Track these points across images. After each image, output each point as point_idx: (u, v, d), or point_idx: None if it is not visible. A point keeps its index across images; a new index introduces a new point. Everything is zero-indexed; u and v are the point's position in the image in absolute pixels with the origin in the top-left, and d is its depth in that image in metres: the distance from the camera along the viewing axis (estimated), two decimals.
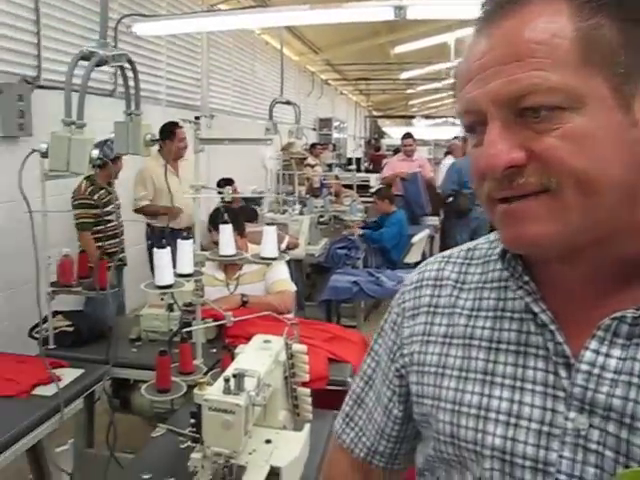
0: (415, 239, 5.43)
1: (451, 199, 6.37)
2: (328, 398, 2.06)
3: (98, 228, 3.66)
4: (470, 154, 0.62)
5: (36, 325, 2.40)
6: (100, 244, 3.55)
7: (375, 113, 21.16)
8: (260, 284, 2.85)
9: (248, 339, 1.68)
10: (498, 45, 0.57)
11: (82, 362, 2.22)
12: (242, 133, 7.16)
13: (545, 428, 0.61)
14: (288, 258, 2.12)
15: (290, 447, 1.49)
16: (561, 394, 0.60)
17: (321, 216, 5.14)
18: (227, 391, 1.25)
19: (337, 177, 7.54)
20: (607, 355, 0.58)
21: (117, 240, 3.67)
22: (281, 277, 2.82)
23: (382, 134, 19.67)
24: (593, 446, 0.57)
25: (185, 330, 1.83)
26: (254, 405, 1.30)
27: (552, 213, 0.55)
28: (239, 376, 1.25)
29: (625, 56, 0.54)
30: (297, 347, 1.52)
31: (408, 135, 7.57)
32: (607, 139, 0.54)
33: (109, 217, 3.69)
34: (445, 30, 10.03)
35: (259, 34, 8.66)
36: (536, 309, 0.63)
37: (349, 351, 2.37)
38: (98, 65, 1.83)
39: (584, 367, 0.59)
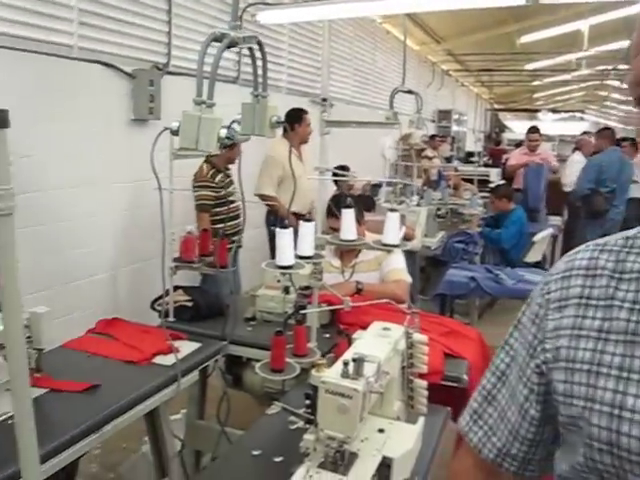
0: (537, 238, 5.14)
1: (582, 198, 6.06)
2: (441, 393, 1.98)
3: (218, 210, 3.77)
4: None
5: (158, 298, 2.51)
6: (221, 225, 3.66)
7: (497, 106, 20.37)
8: (375, 273, 2.80)
9: (362, 328, 1.65)
10: None
11: (199, 336, 2.29)
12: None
13: None
14: (408, 247, 2.05)
15: (403, 439, 1.43)
16: None
17: (439, 209, 4.99)
18: (345, 375, 1.21)
19: (456, 170, 7.31)
20: None
21: (236, 222, 3.77)
22: (398, 266, 2.75)
23: (503, 128, 18.93)
24: None
25: (301, 312, 1.82)
26: (371, 392, 1.25)
27: None
28: (359, 361, 1.21)
29: None
30: (418, 337, 1.46)
31: (534, 129, 7.20)
32: None
33: (230, 198, 3.79)
34: (576, 18, 9.41)
35: (380, 23, 8.58)
36: None
37: (466, 347, 2.27)
38: (229, 47, 1.85)
39: None
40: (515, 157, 7.43)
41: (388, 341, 1.45)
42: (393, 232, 1.86)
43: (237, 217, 3.79)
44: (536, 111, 18.64)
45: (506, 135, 15.87)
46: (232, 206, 3.77)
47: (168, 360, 2.02)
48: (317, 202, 4.42)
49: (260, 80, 2.06)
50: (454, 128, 13.31)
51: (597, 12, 9.01)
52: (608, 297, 0.66)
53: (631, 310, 0.63)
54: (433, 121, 12.50)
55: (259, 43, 2.01)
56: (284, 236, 1.70)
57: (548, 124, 15.66)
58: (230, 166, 3.84)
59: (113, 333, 2.24)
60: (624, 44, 12.19)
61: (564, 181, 7.08)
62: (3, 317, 0.84)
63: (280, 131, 3.95)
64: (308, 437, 1.29)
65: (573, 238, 6.11)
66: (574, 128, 18.86)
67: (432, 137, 9.41)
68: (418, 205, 4.65)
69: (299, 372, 1.79)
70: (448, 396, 2.08)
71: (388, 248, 1.86)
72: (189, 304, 2.45)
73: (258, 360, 2.20)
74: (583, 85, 17.63)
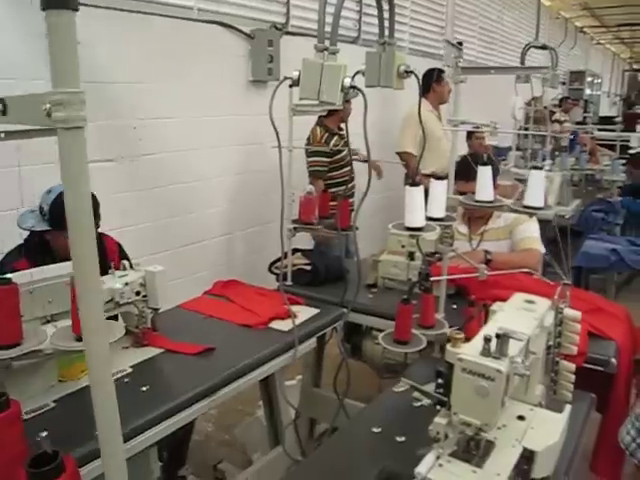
0: None
1: None
2: (583, 377, 1.74)
3: (331, 174, 3.66)
4: None
5: (276, 260, 2.44)
6: (334, 190, 3.55)
7: (636, 67, 18.55)
8: (505, 242, 2.56)
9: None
10: None
11: (317, 302, 2.19)
12: (488, 84, 6.71)
13: None
14: (551, 212, 1.81)
15: (548, 429, 1.24)
16: None
17: (572, 175, 4.57)
18: (486, 353, 1.04)
19: (591, 133, 6.69)
20: None
21: (348, 186, 3.64)
22: (532, 235, 2.50)
23: None
24: None
25: (431, 280, 1.65)
26: (516, 374, 1.08)
27: None
28: (503, 337, 1.03)
29: None
30: (570, 313, 1.25)
31: None
32: None
33: (343, 163, 3.66)
34: None
35: None
36: None
37: (614, 327, 2.00)
38: None
39: None
40: None
41: (534, 316, 1.25)
42: (537, 193, 1.63)
43: (350, 181, 3.66)
44: None
45: None
46: (343, 170, 3.65)
47: (285, 325, 1.95)
48: (452, 155, 4.24)
49: (387, 26, 1.90)
50: (587, 91, 12.28)
51: None
52: None
53: None
54: (564, 83, 11.59)
55: None
56: (414, 194, 1.53)
57: None
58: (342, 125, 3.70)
59: (230, 295, 2.20)
60: None
61: None
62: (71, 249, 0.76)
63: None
64: (439, 420, 1.13)
65: None
66: None
67: (563, 99, 8.76)
68: (550, 171, 4.26)
69: (425, 345, 1.64)
70: (591, 381, 1.84)
71: (531, 212, 1.63)
72: (307, 268, 2.36)
73: (379, 329, 2.08)
74: None
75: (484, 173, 1.69)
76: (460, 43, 1.77)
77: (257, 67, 3.79)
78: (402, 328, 1.62)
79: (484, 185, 1.69)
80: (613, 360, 1.84)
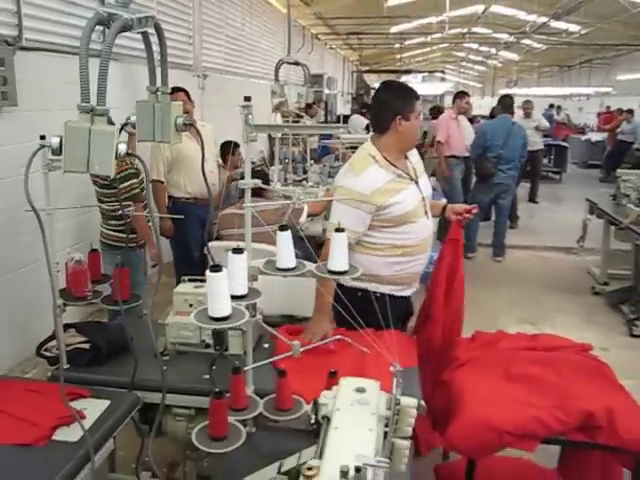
0: None
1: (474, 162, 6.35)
2: None
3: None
4: None
5: (45, 341, 2.05)
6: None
7: (362, 68, 20.51)
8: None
9: None
10: None
11: (104, 387, 1.88)
12: (236, 92, 6.72)
13: None
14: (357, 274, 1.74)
15: None
16: None
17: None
18: None
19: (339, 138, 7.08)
20: None
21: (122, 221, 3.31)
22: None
23: (368, 89, 19.12)
24: None
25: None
26: None
27: None
28: (362, 470, 0.93)
29: None
30: (407, 401, 1.20)
31: (465, 93, 7.14)
32: None
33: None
34: None
35: None
36: None
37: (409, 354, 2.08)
38: (121, 31, 1.43)
39: None
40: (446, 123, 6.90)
41: (370, 411, 1.18)
42: (339, 256, 1.57)
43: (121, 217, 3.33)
44: (402, 72, 18.97)
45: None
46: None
47: (72, 433, 1.60)
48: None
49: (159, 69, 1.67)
50: (326, 91, 13.16)
51: None
52: None
53: None
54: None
55: (156, 26, 1.61)
56: (217, 281, 1.34)
57: (417, 85, 15.97)
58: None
59: None
60: (479, 9, 12.66)
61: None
62: None
63: None
64: None
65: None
66: (437, 88, 19.53)
67: (309, 105, 9.17)
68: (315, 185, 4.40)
69: (245, 438, 1.48)
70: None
71: (334, 277, 1.56)
72: (86, 346, 2.01)
73: (180, 407, 1.88)
74: (442, 47, 18.18)
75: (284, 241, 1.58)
76: (248, 98, 1.61)
77: None
78: (217, 424, 1.44)
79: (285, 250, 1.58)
80: (422, 403, 1.87)
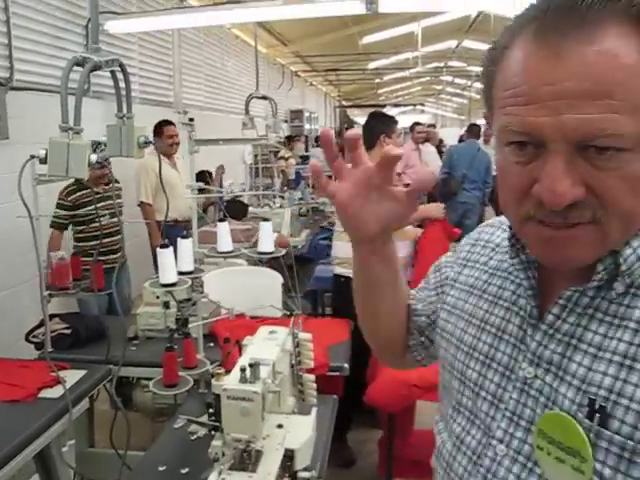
0: None
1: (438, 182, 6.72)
2: (328, 384, 2.16)
3: (80, 228, 3.66)
4: (508, 168, 0.63)
5: (33, 329, 2.43)
6: (94, 243, 3.57)
7: (344, 103, 21.22)
8: None
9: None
10: (576, 76, 0.55)
11: (83, 363, 2.26)
12: (216, 128, 7.16)
13: (507, 372, 0.72)
14: (283, 252, 2.17)
15: (301, 430, 1.56)
16: (522, 347, 0.71)
17: (300, 208, 5.19)
18: (244, 380, 1.31)
19: None
20: (563, 320, 0.67)
21: (114, 239, 3.69)
22: None
23: (351, 123, 19.77)
24: (532, 392, 0.68)
25: (190, 325, 1.89)
26: (269, 392, 1.37)
27: (596, 241, 0.60)
28: (255, 365, 1.32)
29: None
30: (303, 336, 1.59)
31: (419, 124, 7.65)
32: None
33: (91, 217, 3.68)
34: (411, 20, 10.15)
35: (229, 28, 8.65)
36: (525, 279, 0.73)
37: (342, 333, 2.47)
38: (92, 70, 1.86)
39: (543, 327, 0.69)
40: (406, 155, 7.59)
41: (276, 343, 1.56)
42: (267, 241, 1.98)
43: (113, 234, 3.70)
44: (382, 106, 19.68)
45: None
46: (107, 222, 3.68)
47: (55, 392, 1.98)
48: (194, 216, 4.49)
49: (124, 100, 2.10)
50: (307, 126, 13.71)
51: (428, 15, 9.79)
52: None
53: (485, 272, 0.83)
54: (286, 121, 12.81)
55: (121, 66, 2.05)
56: (166, 255, 1.76)
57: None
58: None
59: None
60: (452, 44, 13.36)
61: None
62: None
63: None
64: (216, 443, 1.37)
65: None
66: (415, 120, 20.24)
67: (288, 138, 9.65)
68: (281, 207, 4.81)
69: (192, 384, 1.86)
70: (334, 385, 2.26)
71: (263, 256, 1.98)
72: (67, 332, 2.40)
73: (147, 378, 2.23)
74: (420, 81, 18.93)
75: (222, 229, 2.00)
76: (192, 119, 2.03)
77: None
78: (170, 373, 1.82)
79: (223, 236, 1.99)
80: (346, 365, 2.27)
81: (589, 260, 0.63)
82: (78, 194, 3.62)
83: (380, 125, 3.09)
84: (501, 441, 0.70)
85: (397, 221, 0.75)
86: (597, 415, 0.60)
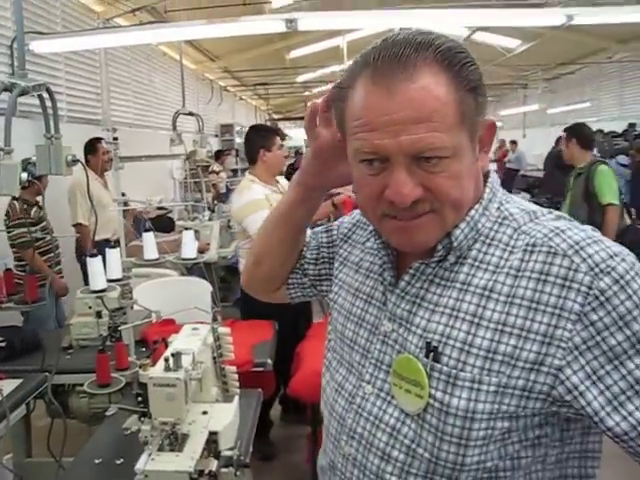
0: None
1: None
2: (253, 379, 2.36)
3: (38, 244, 3.72)
4: (363, 179, 0.82)
5: None
6: (45, 257, 3.63)
7: (275, 116, 21.47)
8: None
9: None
10: (404, 107, 0.74)
11: (19, 373, 2.35)
12: (145, 145, 7.22)
13: (373, 329, 0.94)
14: (205, 258, 2.35)
15: (224, 415, 1.75)
16: (384, 308, 0.93)
17: (229, 220, 5.34)
18: (168, 369, 1.49)
19: None
20: (412, 285, 0.90)
21: (53, 255, 3.75)
22: None
23: (283, 136, 20.01)
24: (390, 342, 0.89)
25: (120, 329, 2.04)
26: (191, 379, 1.55)
27: (436, 226, 0.82)
28: (177, 355, 1.50)
29: (476, 115, 0.79)
30: (222, 330, 1.78)
31: None
32: (469, 174, 0.80)
33: (46, 231, 3.75)
34: (336, 35, 10.47)
35: (156, 45, 8.72)
36: (386, 256, 0.95)
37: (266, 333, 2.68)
38: (20, 95, 2.00)
39: (397, 291, 0.91)
40: None
41: (198, 337, 1.75)
42: (189, 248, 2.17)
43: (51, 251, 3.76)
44: None
45: (286, 143, 16.82)
46: (45, 240, 3.74)
47: None
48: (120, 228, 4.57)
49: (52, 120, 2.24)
50: (237, 140, 13.81)
51: (352, 30, 10.14)
52: None
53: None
54: (216, 135, 12.91)
55: (48, 90, 2.19)
56: (95, 264, 1.91)
57: None
58: (39, 198, 3.79)
59: None
60: None
61: None
62: None
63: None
64: (145, 427, 1.54)
65: None
66: None
67: (219, 152, 9.74)
68: (210, 219, 4.96)
69: (124, 384, 2.01)
70: (260, 380, 2.46)
71: (187, 262, 2.16)
72: (2, 344, 2.49)
73: (82, 384, 2.36)
74: None
75: (148, 238, 2.17)
76: (115, 138, 2.19)
77: None
78: (102, 374, 1.97)
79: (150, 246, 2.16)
80: (269, 361, 2.47)
81: (432, 242, 0.85)
82: (34, 210, 3.70)
83: (259, 139, 3.13)
84: (368, 382, 0.91)
85: (347, 182, 0.97)
86: (432, 354, 0.83)
